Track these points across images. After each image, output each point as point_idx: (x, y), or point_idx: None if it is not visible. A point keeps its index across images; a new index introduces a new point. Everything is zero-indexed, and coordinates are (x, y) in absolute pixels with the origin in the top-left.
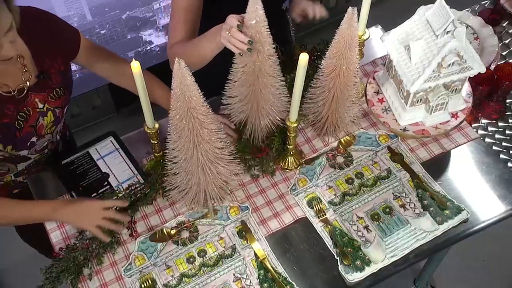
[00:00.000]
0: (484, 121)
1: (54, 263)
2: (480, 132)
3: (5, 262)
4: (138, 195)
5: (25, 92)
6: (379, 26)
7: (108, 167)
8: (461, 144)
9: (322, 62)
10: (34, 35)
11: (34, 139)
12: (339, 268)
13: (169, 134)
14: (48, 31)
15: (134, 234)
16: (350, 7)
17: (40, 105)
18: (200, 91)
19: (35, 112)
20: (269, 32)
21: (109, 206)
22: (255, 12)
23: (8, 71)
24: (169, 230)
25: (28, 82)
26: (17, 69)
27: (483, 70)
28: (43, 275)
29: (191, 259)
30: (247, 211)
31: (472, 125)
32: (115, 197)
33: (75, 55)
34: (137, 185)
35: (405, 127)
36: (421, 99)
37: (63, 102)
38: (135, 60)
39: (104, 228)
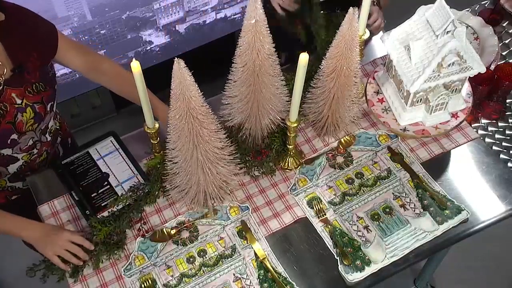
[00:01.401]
0: (484, 121)
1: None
2: (480, 132)
3: (5, 262)
4: (140, 193)
5: (1, 87)
6: None
7: (108, 167)
8: (461, 144)
9: (323, 62)
10: (8, 29)
11: (14, 136)
12: (339, 268)
13: (168, 134)
14: (23, 26)
15: (143, 232)
16: (351, 7)
17: (18, 101)
18: (199, 91)
19: (13, 108)
20: (268, 31)
21: (75, 242)
22: (255, 11)
23: None
24: (169, 230)
25: (3, 76)
26: None
27: (483, 70)
28: (43, 261)
29: (191, 259)
30: (247, 211)
31: (472, 125)
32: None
33: (54, 52)
34: (139, 186)
35: (405, 127)
36: (421, 99)
37: (44, 97)
38: (135, 60)
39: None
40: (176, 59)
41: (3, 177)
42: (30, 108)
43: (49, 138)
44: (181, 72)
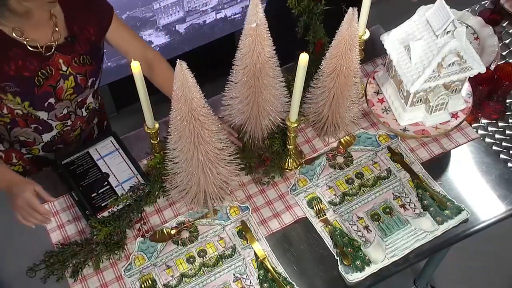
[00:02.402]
0: (484, 121)
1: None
2: (480, 132)
3: (5, 262)
4: (140, 193)
5: (52, 51)
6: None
7: (108, 167)
8: (461, 144)
9: (322, 62)
10: (72, 1)
11: (52, 100)
12: (339, 268)
13: (169, 135)
14: (83, 1)
15: (143, 232)
16: (350, 7)
17: (64, 67)
18: (201, 92)
19: (57, 73)
20: (269, 35)
21: (37, 190)
22: (256, 15)
23: (41, 26)
24: (169, 230)
25: (56, 42)
26: (49, 27)
27: (483, 70)
28: (43, 261)
29: (191, 259)
30: (247, 211)
31: (472, 125)
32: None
33: (107, 29)
34: (140, 186)
35: (405, 127)
36: (421, 99)
37: (88, 71)
38: (135, 60)
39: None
40: (178, 60)
41: (36, 144)
42: (73, 78)
43: (84, 114)
44: (183, 74)
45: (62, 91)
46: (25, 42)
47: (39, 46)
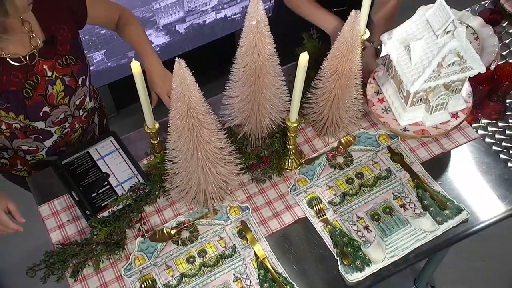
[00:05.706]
0: (484, 121)
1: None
2: (480, 132)
3: (5, 262)
4: (140, 193)
5: (36, 58)
6: None
7: (108, 167)
8: (461, 144)
9: (324, 63)
10: (40, 2)
11: (46, 109)
12: (339, 268)
13: (169, 134)
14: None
15: (143, 232)
16: (353, 9)
17: (49, 73)
18: (200, 91)
19: (44, 80)
20: (269, 32)
21: (10, 209)
22: (256, 12)
23: (16, 37)
24: (169, 230)
25: (37, 48)
26: (24, 35)
27: (483, 70)
28: (43, 261)
29: (191, 259)
30: (247, 211)
31: (472, 125)
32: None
33: (83, 21)
34: (140, 185)
35: (405, 127)
36: (421, 99)
37: (74, 70)
38: (135, 60)
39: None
40: (177, 59)
41: (40, 151)
42: (60, 81)
43: (82, 114)
44: (181, 72)
45: (53, 97)
46: (8, 58)
47: (22, 58)
